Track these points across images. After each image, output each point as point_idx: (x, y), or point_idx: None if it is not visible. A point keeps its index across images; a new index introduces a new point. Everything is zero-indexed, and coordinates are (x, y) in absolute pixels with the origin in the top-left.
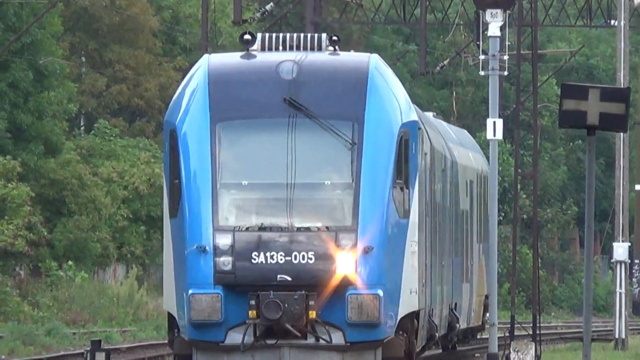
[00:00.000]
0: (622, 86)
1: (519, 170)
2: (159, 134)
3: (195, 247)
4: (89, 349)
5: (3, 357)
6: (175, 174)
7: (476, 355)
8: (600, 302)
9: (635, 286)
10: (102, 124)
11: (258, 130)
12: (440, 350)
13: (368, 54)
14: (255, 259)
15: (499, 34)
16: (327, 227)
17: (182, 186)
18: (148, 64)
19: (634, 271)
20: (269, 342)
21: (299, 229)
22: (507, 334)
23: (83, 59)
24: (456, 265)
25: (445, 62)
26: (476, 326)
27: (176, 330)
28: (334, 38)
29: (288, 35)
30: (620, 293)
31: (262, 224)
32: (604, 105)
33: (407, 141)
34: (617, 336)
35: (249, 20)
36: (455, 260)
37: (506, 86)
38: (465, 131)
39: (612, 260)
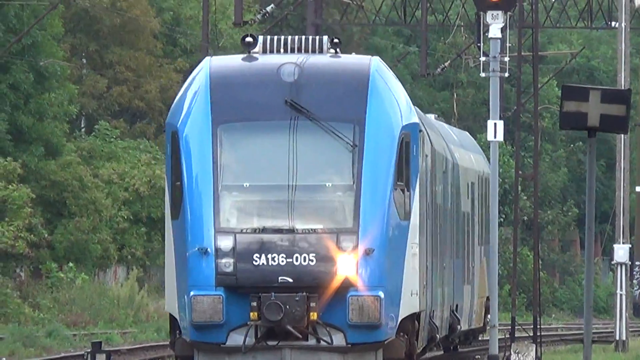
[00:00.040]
0: (623, 88)
1: (520, 172)
2: (159, 135)
3: (196, 248)
4: (89, 350)
5: (4, 358)
6: (176, 176)
7: (477, 357)
8: (600, 303)
9: (635, 288)
10: (102, 125)
11: (259, 133)
12: (442, 352)
13: (369, 57)
14: (256, 261)
15: (499, 35)
16: (328, 229)
17: (183, 188)
18: (149, 66)
19: (634, 273)
20: (270, 343)
21: (300, 230)
22: (507, 336)
23: (84, 60)
24: (457, 267)
25: (446, 64)
26: (477, 328)
27: (178, 331)
28: (335, 40)
29: (289, 37)
30: (620, 295)
31: (263, 226)
32: (604, 106)
33: (408, 143)
34: (617, 338)
35: (249, 22)
36: (457, 262)
37: (507, 88)
38: (467, 133)
39: (612, 262)
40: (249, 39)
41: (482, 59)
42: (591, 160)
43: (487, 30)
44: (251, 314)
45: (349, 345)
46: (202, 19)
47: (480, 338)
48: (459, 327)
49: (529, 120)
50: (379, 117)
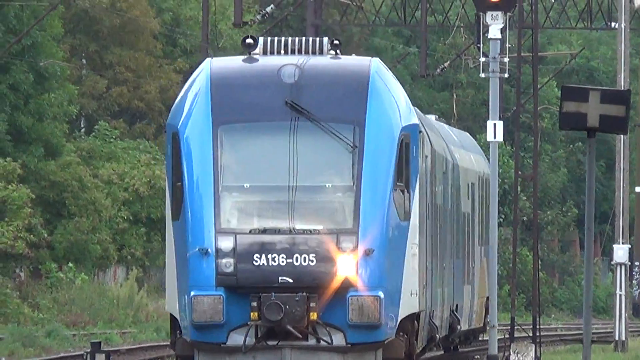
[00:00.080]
0: (623, 88)
1: (519, 172)
2: (159, 136)
3: (197, 249)
4: (89, 350)
5: (3, 358)
6: (177, 176)
7: (476, 357)
8: (600, 304)
9: (635, 288)
10: (102, 126)
11: (260, 134)
12: (442, 352)
13: (369, 58)
14: (256, 261)
15: (499, 36)
16: (328, 230)
17: (184, 189)
18: (148, 66)
19: (634, 273)
20: (270, 343)
21: (300, 231)
22: (507, 336)
23: (83, 61)
24: (457, 267)
25: (446, 65)
26: (478, 328)
27: (178, 331)
28: (336, 42)
29: (290, 39)
30: (620, 295)
31: (263, 226)
32: (604, 107)
33: (407, 144)
34: (617, 338)
35: (249, 23)
36: (457, 262)
37: (506, 88)
38: (467, 134)
39: (612, 262)
40: (249, 41)
41: (482, 59)
42: (591, 160)
43: (487, 31)
44: (251, 314)
45: (349, 345)
46: (202, 19)
47: (480, 338)
48: (459, 327)
49: (528, 121)
50: (379, 118)
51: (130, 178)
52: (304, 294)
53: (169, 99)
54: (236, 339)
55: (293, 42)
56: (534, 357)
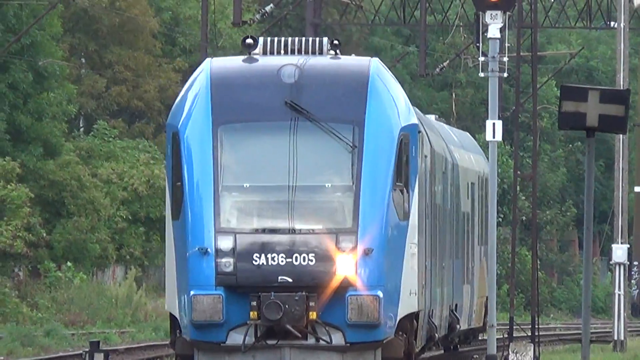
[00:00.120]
0: (622, 88)
1: (519, 172)
2: (158, 135)
3: (197, 248)
4: (87, 350)
5: (2, 358)
6: (177, 176)
7: (474, 357)
8: (599, 303)
9: (634, 288)
10: (101, 125)
11: (260, 133)
12: (442, 351)
13: (368, 58)
14: (256, 261)
15: (498, 35)
16: (327, 229)
17: (184, 188)
18: (148, 66)
19: (632, 273)
20: (269, 342)
21: (299, 231)
22: (506, 336)
23: (83, 60)
24: (457, 266)
25: (445, 64)
26: (477, 327)
27: (178, 330)
28: (335, 42)
29: (290, 39)
30: (619, 295)
31: (263, 226)
32: (603, 107)
33: (407, 144)
34: (615, 338)
35: (248, 22)
36: (456, 262)
37: (506, 88)
38: (468, 134)
39: (611, 262)
40: (249, 41)
41: (481, 59)
42: (590, 160)
43: (486, 30)
44: (251, 313)
45: (348, 345)
46: (201, 18)
47: (480, 337)
48: (458, 326)
49: (527, 120)
50: (378, 118)
51: (129, 177)
52: (304, 293)
53: (168, 98)
54: (236, 338)
55: (293, 42)
56: (532, 356)
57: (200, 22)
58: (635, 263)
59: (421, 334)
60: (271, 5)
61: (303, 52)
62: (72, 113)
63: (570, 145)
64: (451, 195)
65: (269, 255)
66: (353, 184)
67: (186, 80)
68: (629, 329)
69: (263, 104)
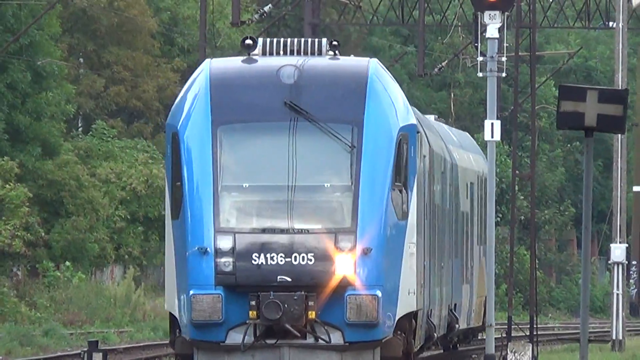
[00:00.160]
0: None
1: (517, 172)
2: (156, 135)
3: (196, 248)
4: (86, 349)
5: (1, 357)
6: (177, 176)
7: (473, 356)
8: (597, 303)
9: (632, 287)
10: (100, 125)
11: (259, 134)
12: (442, 350)
13: (367, 59)
14: (255, 260)
15: (497, 35)
16: (326, 229)
17: (183, 188)
18: (146, 65)
19: (631, 272)
20: (269, 342)
21: (299, 230)
22: (504, 335)
23: (81, 60)
24: (456, 266)
25: (444, 64)
26: (477, 327)
27: (177, 330)
28: (334, 43)
29: (289, 40)
30: (617, 294)
31: (262, 226)
32: (601, 106)
33: (405, 144)
34: (614, 337)
35: (247, 22)
36: (455, 261)
37: (504, 88)
38: (467, 134)
39: (609, 262)
40: (248, 42)
41: (480, 59)
42: (588, 160)
43: (485, 30)
44: (250, 312)
45: (347, 344)
46: (200, 18)
47: (479, 337)
48: (457, 326)
49: (526, 120)
50: (377, 119)
51: (128, 177)
52: (303, 293)
53: (166, 98)
54: (235, 337)
55: (292, 42)
56: (531, 356)
57: (198, 22)
58: (634, 262)
59: (420, 334)
60: (269, 5)
61: (302, 53)
62: (70, 113)
63: (569, 145)
64: (450, 195)
65: (268, 255)
66: (352, 184)
67: (185, 80)
68: (627, 329)
69: (262, 104)
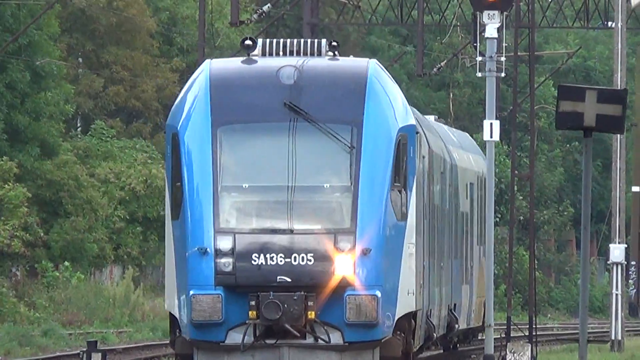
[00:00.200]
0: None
1: (516, 172)
2: (155, 135)
3: (196, 248)
4: (85, 349)
5: (0, 357)
6: (177, 176)
7: (472, 356)
8: (596, 303)
9: (631, 288)
10: (99, 125)
11: (259, 134)
12: (442, 350)
13: (366, 60)
14: (255, 261)
15: (496, 35)
16: (326, 229)
17: (183, 189)
18: (145, 65)
19: (630, 273)
20: (268, 342)
21: (298, 231)
22: (503, 335)
23: (80, 60)
24: (456, 266)
25: (443, 64)
26: (477, 327)
27: (178, 330)
28: (334, 43)
29: (288, 40)
30: (616, 294)
31: (262, 226)
32: (600, 106)
33: (404, 145)
34: (613, 337)
35: (246, 22)
36: (455, 261)
37: (503, 88)
38: (467, 134)
39: (608, 262)
40: (248, 42)
41: (479, 58)
42: (587, 160)
43: (484, 30)
44: (250, 312)
45: (347, 344)
46: (199, 18)
47: (479, 337)
48: (457, 326)
49: (525, 120)
50: (376, 119)
51: (127, 177)
52: (302, 293)
53: (165, 98)
54: (235, 337)
55: (292, 43)
56: (530, 356)
57: (197, 22)
58: (633, 263)
59: (419, 334)
60: (268, 5)
61: (302, 54)
62: (69, 113)
63: (568, 145)
64: (450, 196)
65: (267, 255)
66: (351, 184)
67: (184, 80)
68: (626, 329)
69: (262, 105)
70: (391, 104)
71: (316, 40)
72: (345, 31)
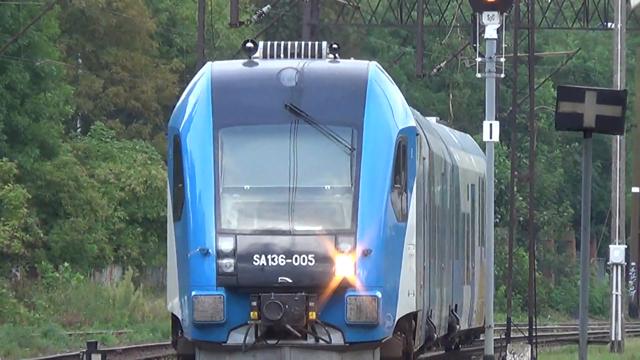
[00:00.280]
0: (619, 88)
1: (516, 173)
2: (155, 135)
3: (198, 249)
4: (85, 350)
5: (0, 358)
6: (179, 178)
7: (472, 357)
8: (596, 304)
9: (631, 288)
10: (98, 125)
11: (260, 136)
12: (443, 351)
13: (367, 62)
14: (256, 262)
15: (495, 36)
16: (326, 231)
17: (185, 190)
18: (145, 66)
19: (630, 273)
20: (270, 342)
21: (299, 232)
22: (503, 336)
23: (80, 60)
24: (457, 267)
25: (442, 65)
26: (478, 327)
27: (180, 331)
28: (334, 46)
29: (289, 43)
30: (616, 295)
31: (263, 227)
32: (600, 107)
33: (404, 146)
34: (613, 338)
35: (245, 23)
36: (456, 262)
37: (503, 88)
38: (469, 136)
39: (608, 263)
40: (249, 45)
41: (478, 59)
42: (587, 161)
43: (483, 31)
44: (251, 313)
45: (347, 344)
46: (198, 19)
47: (481, 337)
48: (458, 326)
49: (524, 121)
50: (377, 121)
51: (127, 178)
52: (303, 293)
53: (165, 99)
54: (236, 338)
55: (292, 46)
56: (530, 357)
57: (197, 23)
58: (633, 264)
59: (420, 334)
60: (268, 6)
61: (303, 56)
62: (69, 114)
63: (568, 146)
64: (450, 197)
65: (269, 256)
66: (352, 185)
67: (183, 81)
68: (626, 330)
69: (263, 107)
70: (391, 106)
71: (317, 43)
72: (344, 32)
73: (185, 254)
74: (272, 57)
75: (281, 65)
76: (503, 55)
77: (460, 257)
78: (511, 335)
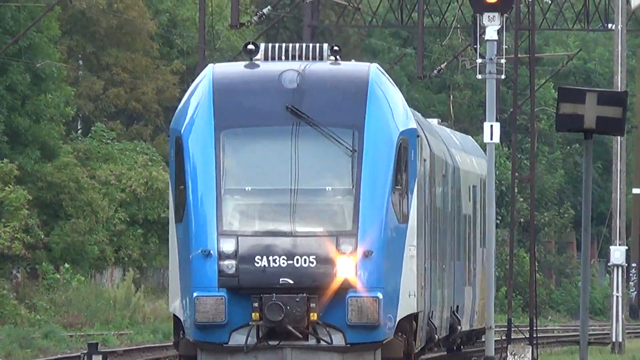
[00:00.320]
0: (620, 90)
1: (516, 174)
2: (156, 137)
3: (200, 251)
4: (85, 352)
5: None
6: (180, 180)
7: (473, 358)
8: (597, 305)
9: (632, 290)
10: (99, 127)
11: (261, 138)
12: (445, 352)
13: (368, 64)
14: (258, 263)
15: (496, 37)
16: (328, 232)
17: (187, 192)
18: (145, 67)
19: (631, 275)
20: (271, 343)
21: (300, 233)
22: (504, 337)
23: (80, 62)
24: (458, 268)
25: (443, 66)
26: (480, 328)
27: (181, 332)
28: (335, 48)
29: (291, 45)
30: (617, 296)
31: (265, 228)
32: (601, 108)
33: (405, 148)
34: (614, 339)
35: (246, 24)
36: (457, 263)
37: (503, 90)
38: (470, 137)
39: (609, 264)
40: (251, 47)
41: (479, 60)
42: (587, 162)
43: (484, 32)
44: (253, 314)
45: (348, 345)
46: (199, 20)
47: (483, 339)
48: (459, 327)
49: (525, 122)
50: (378, 123)
51: (127, 179)
52: (304, 295)
53: (165, 100)
54: (238, 339)
55: (294, 48)
56: (530, 358)
57: (197, 24)
58: (633, 265)
59: (421, 335)
60: (269, 7)
61: (304, 58)
62: (69, 115)
63: (568, 147)
64: (452, 198)
65: (270, 258)
66: (353, 187)
67: (184, 82)
68: (627, 331)
69: (265, 109)
70: (392, 107)
71: (318, 45)
72: (345, 33)
73: (187, 256)
74: (273, 59)
75: (282, 67)
76: (504, 57)
77: (462, 259)
78: (512, 336)
